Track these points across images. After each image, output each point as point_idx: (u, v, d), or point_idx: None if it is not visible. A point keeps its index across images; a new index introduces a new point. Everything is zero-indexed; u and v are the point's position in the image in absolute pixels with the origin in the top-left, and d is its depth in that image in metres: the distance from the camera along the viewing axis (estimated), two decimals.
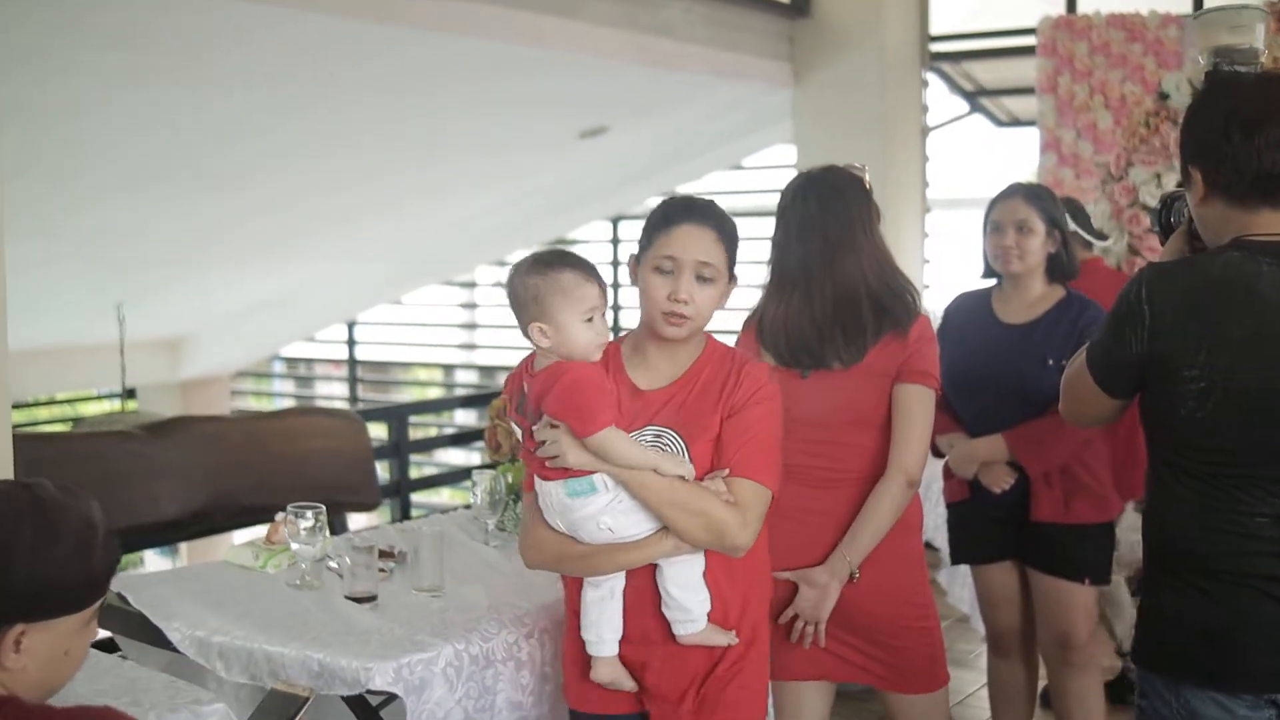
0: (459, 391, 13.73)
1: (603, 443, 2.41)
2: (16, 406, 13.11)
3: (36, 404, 12.07)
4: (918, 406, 3.04)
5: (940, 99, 8.69)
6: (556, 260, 2.47)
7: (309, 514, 3.09)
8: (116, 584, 3.05)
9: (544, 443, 2.46)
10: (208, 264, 9.53)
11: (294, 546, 3.09)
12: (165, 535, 4.37)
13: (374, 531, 3.69)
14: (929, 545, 4.25)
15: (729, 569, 2.57)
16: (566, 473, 2.46)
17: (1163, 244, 2.86)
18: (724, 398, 2.55)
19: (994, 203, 3.92)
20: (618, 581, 2.56)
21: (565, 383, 2.42)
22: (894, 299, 3.06)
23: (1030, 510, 3.78)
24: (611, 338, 2.55)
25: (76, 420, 9.87)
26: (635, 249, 2.64)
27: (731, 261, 2.59)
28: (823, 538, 3.05)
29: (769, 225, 3.19)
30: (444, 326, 13.22)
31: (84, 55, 5.53)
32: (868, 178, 3.19)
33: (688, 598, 2.52)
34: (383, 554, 3.32)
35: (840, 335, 3.03)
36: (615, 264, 10.57)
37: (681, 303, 2.50)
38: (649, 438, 2.54)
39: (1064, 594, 3.79)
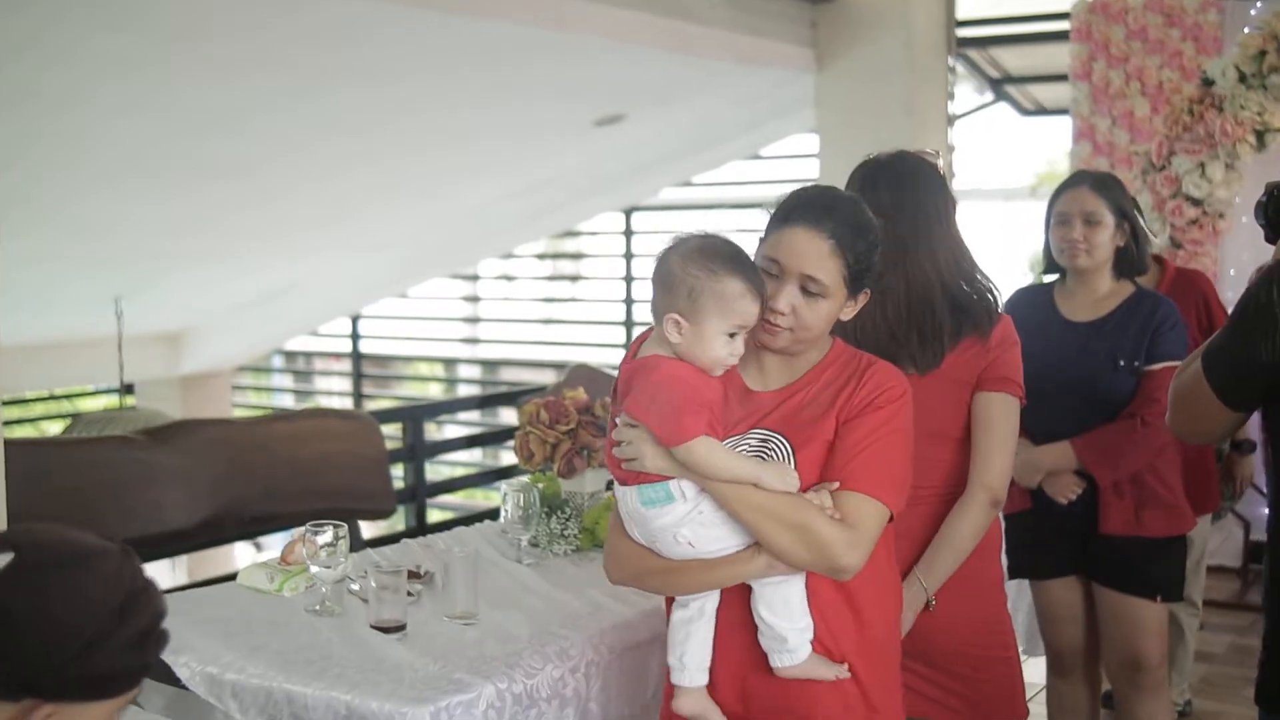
0: (464, 390, 13.49)
1: (692, 455, 2.14)
2: (12, 403, 12.95)
3: (34, 400, 11.81)
4: (1001, 417, 2.78)
5: (964, 86, 8.42)
6: (729, 261, 2.17)
7: (328, 530, 2.82)
8: None
9: (621, 442, 2.20)
10: (207, 255, 9.28)
11: (313, 569, 2.83)
12: (170, 546, 4.12)
13: (397, 549, 3.41)
14: None
15: (846, 591, 2.28)
16: (642, 477, 2.20)
17: (1270, 239, 2.64)
18: (842, 400, 2.27)
19: (1059, 192, 3.69)
20: (708, 601, 2.29)
21: (654, 380, 2.17)
22: (974, 298, 2.79)
23: (1098, 522, 3.57)
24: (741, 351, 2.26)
25: (74, 416, 9.58)
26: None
27: (854, 273, 2.28)
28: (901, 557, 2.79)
29: None
30: (447, 320, 12.93)
31: (78, 41, 5.29)
32: (942, 164, 2.91)
33: (784, 625, 2.23)
34: (412, 574, 3.06)
35: (915, 338, 2.76)
36: (629, 257, 10.29)
37: (778, 314, 2.24)
38: (753, 443, 2.27)
39: (1134, 612, 3.58)
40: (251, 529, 4.24)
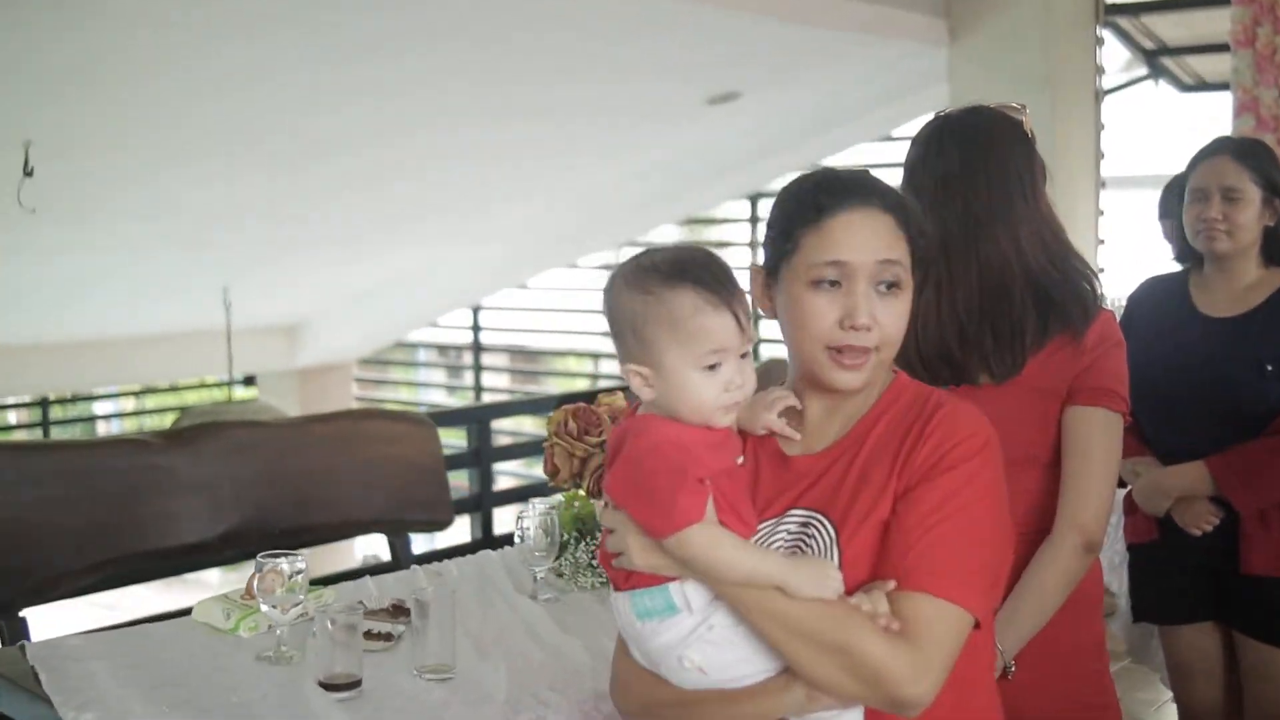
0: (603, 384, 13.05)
1: (687, 549, 1.62)
2: (127, 394, 12.97)
3: (149, 391, 11.75)
4: (1099, 438, 2.21)
5: (1116, 59, 7.73)
6: (670, 271, 1.67)
7: (283, 563, 2.37)
8: (33, 654, 2.38)
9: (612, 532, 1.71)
10: (320, 244, 9.08)
11: (264, 608, 2.38)
12: (188, 561, 3.74)
13: (402, 577, 2.96)
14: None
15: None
16: (635, 579, 1.69)
17: None
18: (901, 461, 1.71)
19: (1194, 163, 3.11)
20: None
21: (638, 448, 1.66)
22: (1066, 289, 2.23)
23: (1239, 560, 2.99)
24: (754, 385, 1.73)
25: (182, 410, 9.42)
26: (762, 257, 1.83)
27: (916, 258, 1.77)
28: None
29: None
30: (584, 313, 12.45)
31: (182, 20, 5.04)
32: (1028, 121, 2.35)
33: None
34: (397, 609, 2.61)
35: (989, 338, 2.22)
36: (754, 246, 9.75)
37: (862, 329, 1.70)
38: (792, 528, 1.73)
39: None
40: (283, 543, 3.78)
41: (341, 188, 7.84)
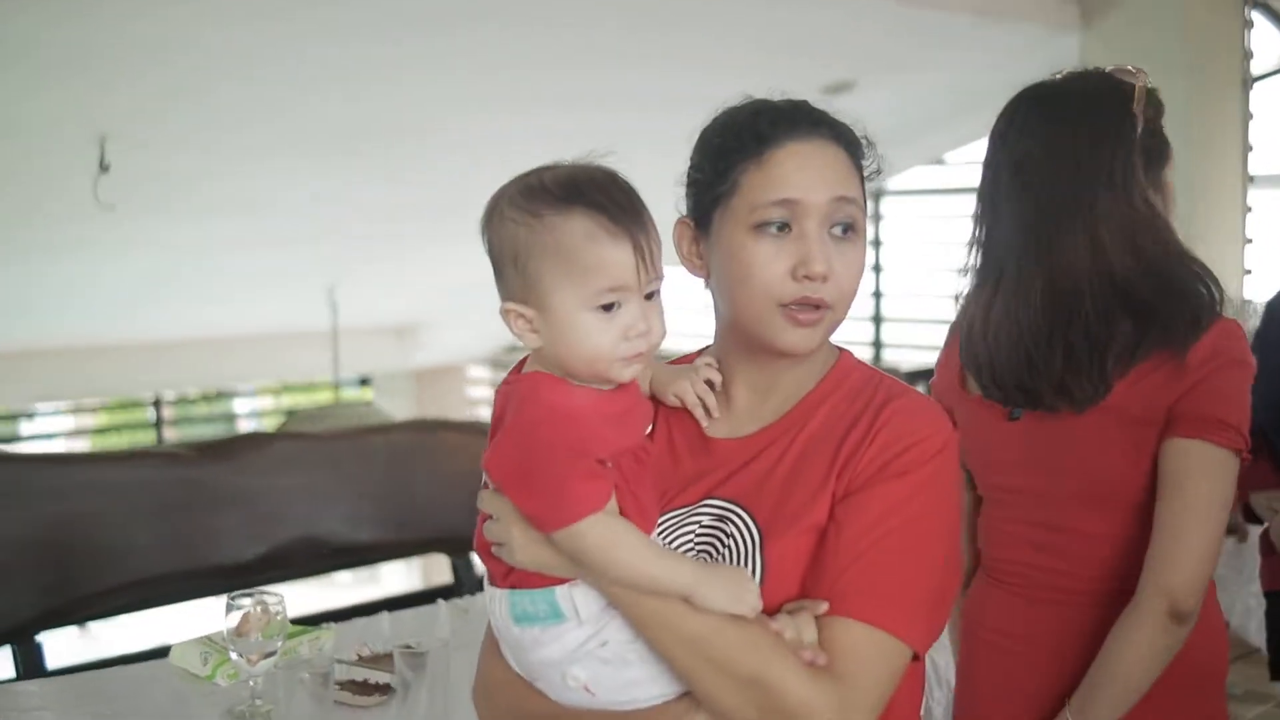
0: None
1: (579, 545, 1.32)
2: (230, 395, 12.94)
3: (288, 390, 11.72)
4: (1200, 479, 1.79)
5: (1267, 43, 7.19)
6: (561, 193, 1.37)
7: (249, 603, 2.08)
8: None
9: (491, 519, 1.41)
10: (431, 241, 8.88)
11: (232, 655, 2.08)
12: (226, 581, 3.46)
13: (423, 613, 2.66)
14: (1237, 637, 2.99)
15: None
16: (517, 577, 1.38)
17: None
18: (845, 456, 1.43)
19: None
20: None
21: (518, 422, 1.35)
22: (1166, 295, 1.82)
23: None
24: (662, 333, 1.41)
25: (289, 413, 9.31)
26: (686, 202, 1.53)
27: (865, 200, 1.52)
28: (1033, 682, 1.89)
29: None
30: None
31: (281, 9, 4.89)
32: (1142, 85, 1.93)
33: None
34: (409, 651, 2.30)
35: (1061, 356, 1.83)
36: (876, 244, 9.31)
37: (818, 279, 1.43)
38: (706, 520, 1.45)
39: None
40: (332, 563, 3.56)
41: (450, 184, 7.63)
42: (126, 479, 3.32)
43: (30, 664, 3.15)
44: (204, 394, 11.51)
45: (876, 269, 9.28)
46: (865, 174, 1.52)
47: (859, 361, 1.56)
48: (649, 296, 1.37)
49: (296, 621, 2.57)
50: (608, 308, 1.34)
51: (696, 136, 1.54)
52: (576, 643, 1.36)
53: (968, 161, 8.96)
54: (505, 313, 1.37)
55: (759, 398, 1.52)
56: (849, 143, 1.50)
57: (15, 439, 10.96)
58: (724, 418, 1.53)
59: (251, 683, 2.09)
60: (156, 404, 10.97)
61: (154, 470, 3.38)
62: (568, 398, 1.34)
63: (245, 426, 12.49)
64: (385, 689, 2.16)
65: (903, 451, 1.41)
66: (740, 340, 1.50)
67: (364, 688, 2.16)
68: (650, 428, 1.48)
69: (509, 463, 1.34)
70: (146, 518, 3.33)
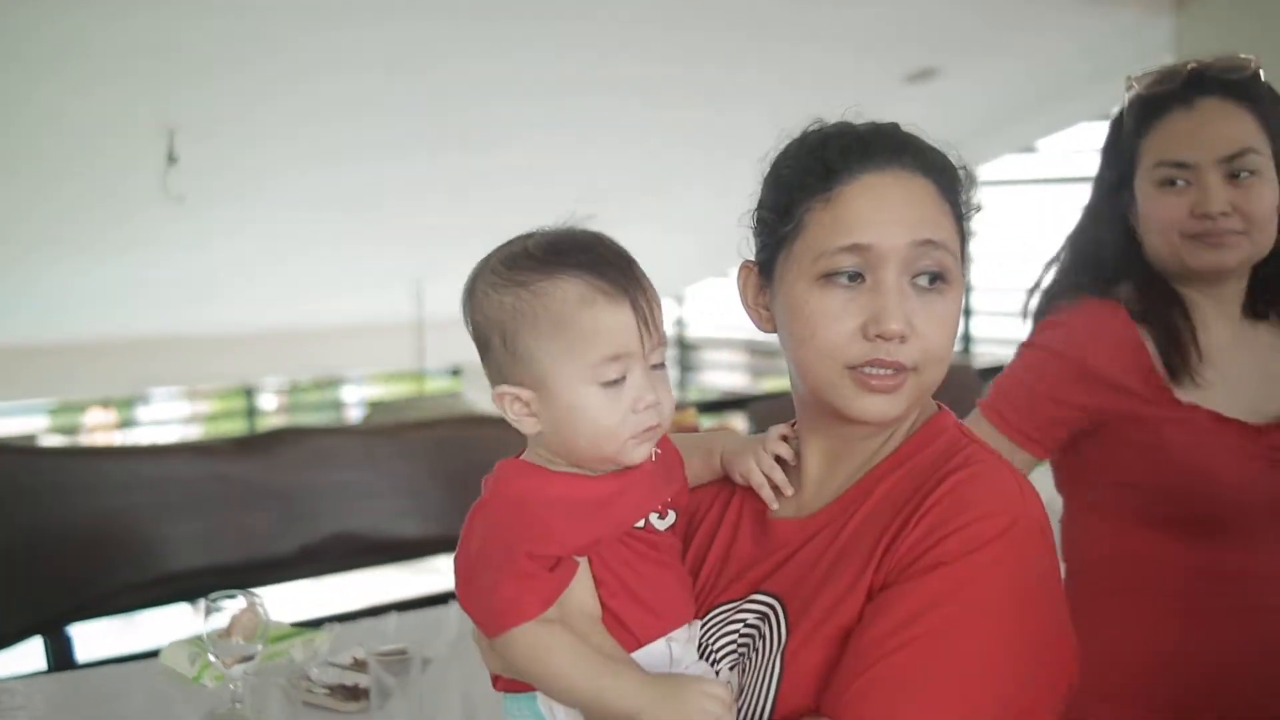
0: None
1: (509, 654, 1.20)
2: (339, 383, 13.04)
3: (395, 378, 11.81)
4: None
5: None
6: (545, 256, 1.24)
7: (231, 603, 2.02)
8: None
9: None
10: (515, 233, 8.85)
11: (211, 657, 2.03)
12: (260, 576, 3.43)
13: (427, 619, 2.59)
14: None
15: None
16: (503, 682, 1.28)
17: None
18: (884, 544, 1.21)
19: None
20: None
21: (470, 519, 1.25)
22: None
23: None
24: (672, 403, 1.29)
25: (373, 404, 9.36)
26: (753, 242, 1.36)
27: (966, 241, 1.35)
28: None
29: None
30: None
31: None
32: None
33: None
34: (394, 656, 2.22)
35: None
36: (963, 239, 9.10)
37: (894, 338, 1.22)
38: (750, 619, 1.28)
39: None
40: (370, 559, 3.51)
41: (540, 175, 7.58)
42: (160, 473, 3.29)
43: (60, 656, 3.14)
44: (315, 382, 11.64)
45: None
46: (962, 210, 1.31)
47: (955, 423, 1.32)
48: (655, 367, 1.25)
49: (300, 624, 2.52)
50: (613, 382, 1.22)
51: (768, 164, 1.36)
52: None
53: (1056, 151, 8.74)
54: (499, 398, 1.25)
55: (829, 467, 1.33)
56: (940, 172, 1.29)
57: (131, 424, 11.25)
58: (795, 492, 1.34)
59: (232, 686, 2.03)
60: (249, 393, 11.13)
61: (187, 464, 3.35)
62: (525, 484, 1.23)
63: (353, 415, 12.61)
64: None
65: (951, 534, 1.16)
66: (812, 403, 1.31)
67: (351, 692, 2.10)
68: (664, 513, 1.31)
69: (458, 561, 1.24)
70: (180, 512, 3.29)
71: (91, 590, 3.15)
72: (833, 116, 1.40)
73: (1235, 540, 1.74)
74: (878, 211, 1.23)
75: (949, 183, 1.28)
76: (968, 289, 8.96)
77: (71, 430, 11.37)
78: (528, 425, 1.25)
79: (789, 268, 1.28)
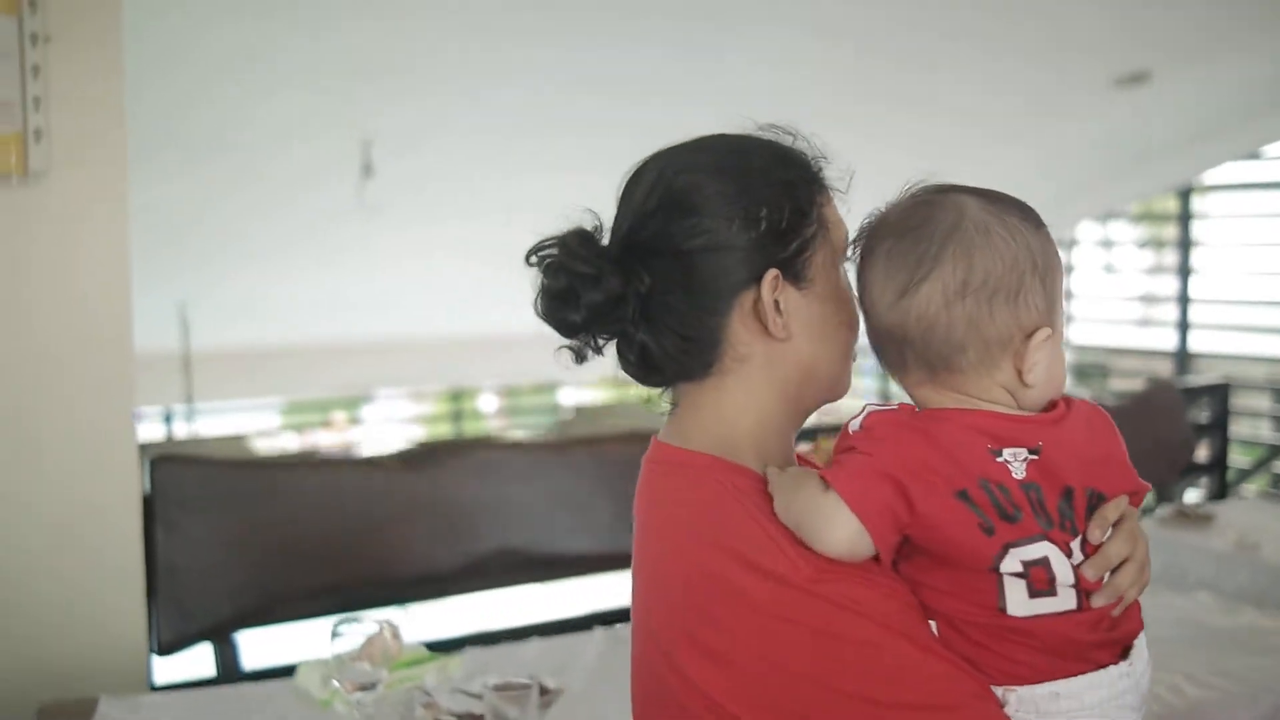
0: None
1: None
2: (557, 386, 13.12)
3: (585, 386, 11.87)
4: None
5: None
6: (1028, 209, 1.22)
7: (360, 627, 2.00)
8: (102, 713, 2.12)
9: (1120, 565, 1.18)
10: None
11: (334, 683, 2.01)
12: (421, 589, 3.46)
13: (568, 644, 2.54)
14: None
15: None
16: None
17: None
18: None
19: None
20: None
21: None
22: None
23: None
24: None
25: (576, 409, 9.36)
26: (752, 257, 1.27)
27: None
28: None
29: None
30: None
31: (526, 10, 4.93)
32: None
33: None
34: (515, 690, 2.18)
35: None
36: (1184, 246, 8.64)
37: None
38: None
39: None
40: (536, 574, 3.50)
41: None
42: (328, 484, 3.33)
43: (227, 663, 3.20)
44: (533, 386, 11.80)
45: (1185, 272, 8.62)
46: None
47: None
48: None
49: (440, 643, 2.49)
50: None
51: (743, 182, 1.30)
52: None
53: None
54: (1035, 338, 1.18)
55: None
56: None
57: (358, 421, 11.64)
58: None
59: (358, 715, 2.01)
60: (456, 396, 11.30)
61: (357, 477, 3.38)
62: None
63: (565, 417, 12.71)
64: None
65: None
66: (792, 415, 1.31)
67: None
68: None
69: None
70: (346, 524, 3.33)
71: (259, 600, 3.20)
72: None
73: None
74: None
75: None
76: (1184, 300, 8.41)
77: (302, 428, 11.77)
78: (1033, 374, 1.18)
79: (819, 264, 1.28)
